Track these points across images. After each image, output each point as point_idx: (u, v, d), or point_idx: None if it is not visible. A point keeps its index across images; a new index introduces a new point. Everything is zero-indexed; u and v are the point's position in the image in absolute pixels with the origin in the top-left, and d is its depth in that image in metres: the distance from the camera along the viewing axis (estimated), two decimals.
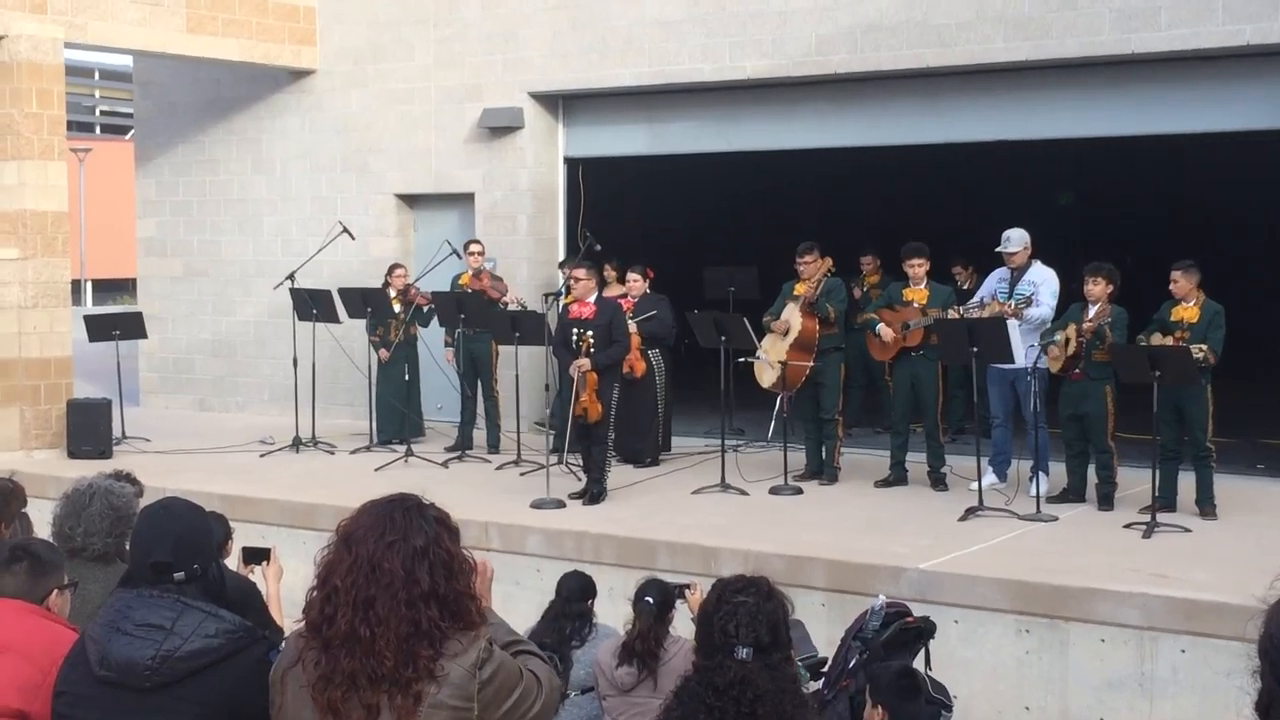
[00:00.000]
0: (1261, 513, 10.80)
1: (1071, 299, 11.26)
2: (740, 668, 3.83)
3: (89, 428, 14.12)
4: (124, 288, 46.18)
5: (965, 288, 14.36)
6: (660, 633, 6.36)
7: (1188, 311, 10.61)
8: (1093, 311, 10.81)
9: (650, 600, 6.41)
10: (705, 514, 11.08)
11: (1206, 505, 10.66)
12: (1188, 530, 10.15)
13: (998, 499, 11.06)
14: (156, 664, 3.47)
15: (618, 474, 12.21)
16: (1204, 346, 10.30)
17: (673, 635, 6.44)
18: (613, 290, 13.68)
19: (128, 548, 4.09)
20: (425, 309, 14.47)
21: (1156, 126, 13.12)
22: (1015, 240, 11.77)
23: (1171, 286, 10.71)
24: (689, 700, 3.85)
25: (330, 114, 16.92)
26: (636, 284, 13.46)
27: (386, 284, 14.59)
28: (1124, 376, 10.72)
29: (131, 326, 15.89)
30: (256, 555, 5.93)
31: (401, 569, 3.14)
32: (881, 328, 11.98)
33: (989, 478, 11.64)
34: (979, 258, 14.06)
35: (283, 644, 3.61)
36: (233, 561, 6.05)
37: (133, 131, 21.96)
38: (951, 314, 11.68)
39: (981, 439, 11.53)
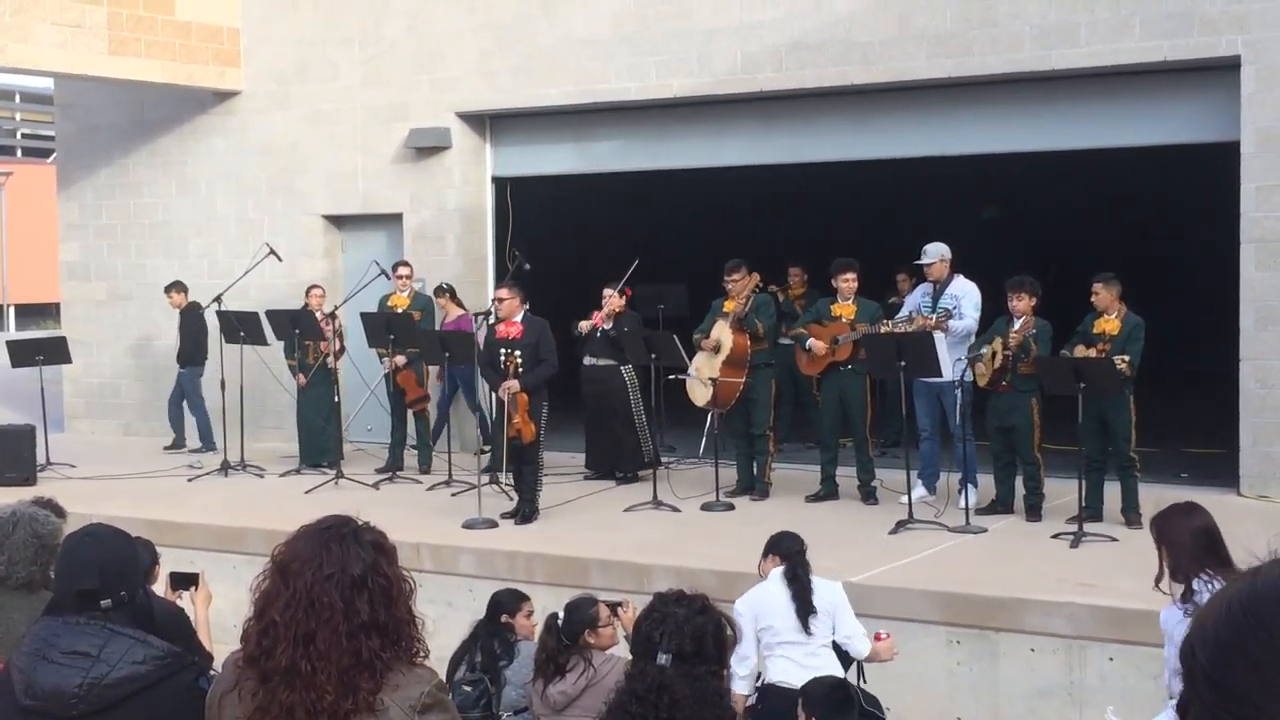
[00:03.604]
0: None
1: (998, 312, 11.39)
2: (659, 673, 3.86)
3: (12, 454, 13.90)
4: (47, 312, 45.54)
5: (892, 301, 14.47)
6: (552, 644, 6.33)
7: (1109, 324, 10.76)
8: (1017, 325, 10.93)
9: (557, 615, 6.43)
10: (637, 531, 11.09)
11: (1132, 514, 10.79)
12: (1114, 539, 10.27)
13: (927, 512, 11.15)
14: (84, 692, 3.43)
15: (549, 492, 12.19)
16: (1124, 358, 10.45)
17: (606, 654, 6.44)
18: (452, 315, 14.43)
19: (53, 576, 4.05)
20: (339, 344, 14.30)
21: (1077, 141, 13.31)
22: (931, 253, 11.93)
23: (1093, 299, 10.87)
24: (616, 711, 3.88)
25: (255, 135, 16.80)
26: (613, 300, 13.40)
27: (306, 305, 14.49)
28: (1049, 388, 10.85)
29: (55, 351, 15.69)
30: (184, 580, 5.88)
31: (340, 600, 3.10)
32: (812, 342, 12.05)
33: (918, 491, 11.73)
34: (911, 271, 14.20)
35: (213, 670, 3.58)
36: (160, 587, 5.99)
37: (54, 154, 21.71)
38: (881, 329, 11.76)
39: (911, 452, 11.62)
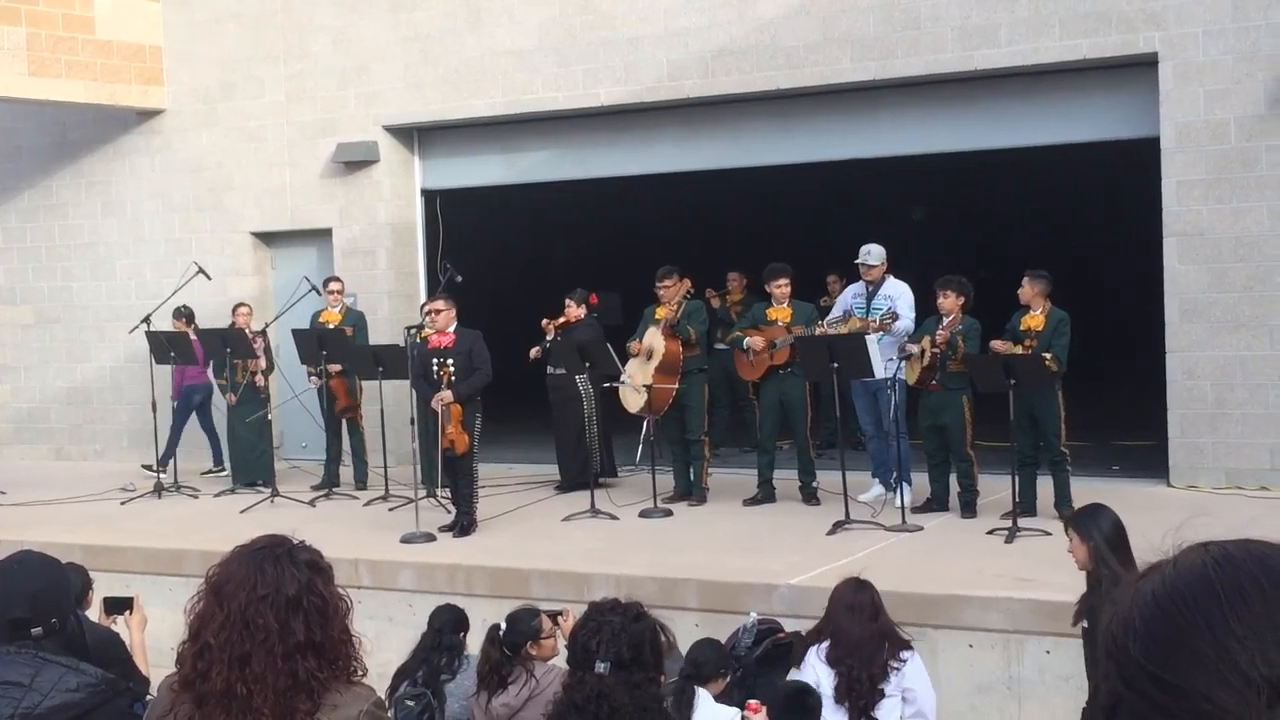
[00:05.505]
0: (1119, 512, 11.04)
1: (929, 312, 11.48)
2: (598, 682, 3.87)
3: None
4: None
5: (824, 302, 14.56)
6: (496, 656, 6.33)
7: (1034, 320, 10.90)
8: (945, 323, 11.04)
9: (499, 626, 6.43)
10: (576, 540, 11.08)
11: (1065, 508, 10.89)
12: (1048, 534, 10.35)
13: (864, 511, 11.20)
14: None
15: (487, 504, 12.16)
16: (1049, 354, 10.58)
17: (547, 665, 6.44)
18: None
19: None
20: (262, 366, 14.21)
21: (1001, 140, 13.44)
22: (875, 255, 11.99)
23: (1019, 291, 11.01)
24: None
25: (181, 154, 16.67)
26: (572, 310, 13.39)
27: (233, 324, 14.35)
28: (981, 386, 10.95)
29: None
30: (119, 605, 5.82)
31: (275, 622, 3.09)
32: (750, 340, 12.10)
33: (876, 489, 11.84)
34: (841, 272, 14.31)
35: (149, 694, 3.55)
36: (95, 612, 5.93)
37: None
38: (817, 331, 11.82)
39: (850, 453, 11.68)
